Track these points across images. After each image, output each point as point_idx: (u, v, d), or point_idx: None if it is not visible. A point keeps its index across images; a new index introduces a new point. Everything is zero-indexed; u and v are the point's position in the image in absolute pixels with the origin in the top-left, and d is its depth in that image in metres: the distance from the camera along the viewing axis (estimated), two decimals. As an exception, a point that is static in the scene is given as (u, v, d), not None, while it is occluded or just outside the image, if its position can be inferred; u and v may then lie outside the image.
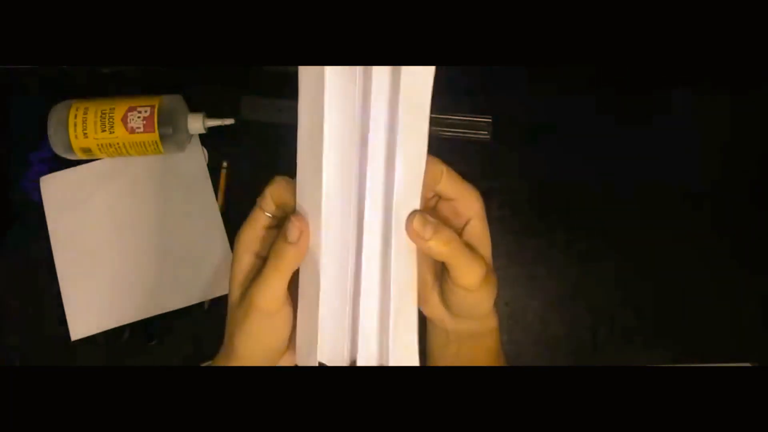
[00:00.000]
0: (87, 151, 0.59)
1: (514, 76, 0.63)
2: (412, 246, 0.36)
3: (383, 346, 0.38)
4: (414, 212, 0.35)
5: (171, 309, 0.61)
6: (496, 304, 0.42)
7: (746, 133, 0.64)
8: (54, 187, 0.63)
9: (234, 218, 0.62)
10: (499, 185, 0.63)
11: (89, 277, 0.61)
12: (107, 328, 0.60)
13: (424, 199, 0.36)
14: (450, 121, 0.63)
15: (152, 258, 0.62)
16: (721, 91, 0.64)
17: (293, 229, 0.36)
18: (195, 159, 0.62)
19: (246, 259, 0.39)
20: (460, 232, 0.39)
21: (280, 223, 0.38)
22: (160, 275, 0.61)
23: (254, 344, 0.39)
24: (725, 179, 0.63)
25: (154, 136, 0.59)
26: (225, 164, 0.63)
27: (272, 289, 0.37)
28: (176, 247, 0.62)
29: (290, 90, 0.63)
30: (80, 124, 0.59)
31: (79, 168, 0.63)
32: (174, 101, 0.60)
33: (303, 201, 0.36)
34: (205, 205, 0.62)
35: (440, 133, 0.63)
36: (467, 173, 0.62)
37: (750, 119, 0.64)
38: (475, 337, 0.44)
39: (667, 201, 0.62)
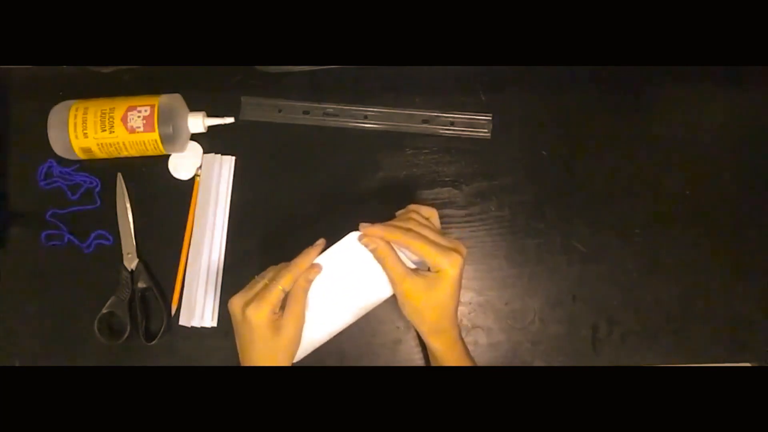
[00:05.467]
0: (87, 151, 0.59)
1: (514, 75, 0.63)
2: None
3: None
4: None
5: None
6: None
7: (742, 137, 0.64)
8: None
9: (236, 212, 0.62)
10: (499, 185, 0.63)
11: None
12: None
13: None
14: (450, 119, 0.63)
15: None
16: (715, 89, 0.64)
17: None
18: None
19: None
20: None
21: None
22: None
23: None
24: (724, 181, 0.63)
25: (154, 135, 0.59)
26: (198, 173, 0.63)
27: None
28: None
29: (290, 90, 0.64)
30: (80, 124, 0.59)
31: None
32: (174, 101, 0.60)
33: None
34: None
35: (440, 131, 0.63)
36: (467, 172, 0.63)
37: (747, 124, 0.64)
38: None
39: (667, 201, 0.62)
